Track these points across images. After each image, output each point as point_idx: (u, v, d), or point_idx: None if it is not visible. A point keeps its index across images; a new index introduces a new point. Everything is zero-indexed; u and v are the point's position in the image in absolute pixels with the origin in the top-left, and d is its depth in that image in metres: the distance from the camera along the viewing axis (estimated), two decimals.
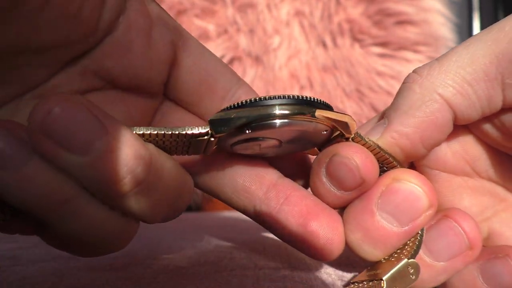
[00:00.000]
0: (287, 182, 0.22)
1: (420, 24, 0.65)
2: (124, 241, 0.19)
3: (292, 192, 0.21)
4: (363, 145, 0.20)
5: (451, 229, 0.20)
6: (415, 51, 0.65)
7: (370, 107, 0.63)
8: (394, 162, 0.21)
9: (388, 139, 0.20)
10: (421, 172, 0.22)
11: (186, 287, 0.21)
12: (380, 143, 0.20)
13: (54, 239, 0.18)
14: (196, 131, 0.18)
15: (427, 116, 0.19)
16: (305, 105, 0.18)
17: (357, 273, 0.23)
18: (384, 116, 0.21)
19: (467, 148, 0.22)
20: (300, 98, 0.18)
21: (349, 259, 0.27)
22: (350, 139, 0.20)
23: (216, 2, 0.64)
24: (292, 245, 0.21)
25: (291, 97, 0.18)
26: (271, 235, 0.36)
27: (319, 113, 0.18)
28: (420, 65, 0.21)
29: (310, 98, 0.18)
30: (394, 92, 0.64)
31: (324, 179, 0.20)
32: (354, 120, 0.19)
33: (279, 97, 0.18)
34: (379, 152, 0.20)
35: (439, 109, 0.19)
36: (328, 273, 0.24)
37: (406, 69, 0.64)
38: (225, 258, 0.27)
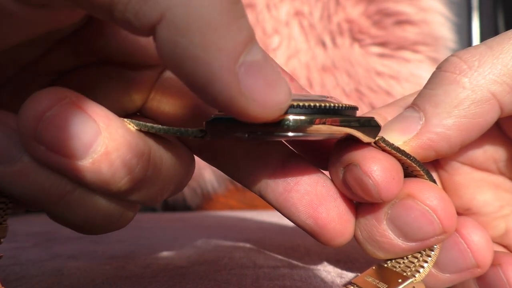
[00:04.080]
0: (298, 162, 0.20)
1: (419, 24, 0.65)
2: (125, 221, 0.18)
3: (303, 176, 0.19)
4: (387, 151, 0.18)
5: (457, 244, 0.19)
6: (415, 51, 0.65)
7: (370, 107, 0.63)
8: (421, 171, 0.18)
9: (425, 140, 0.18)
10: (442, 163, 0.21)
11: (186, 286, 0.21)
12: (413, 144, 0.18)
13: (52, 218, 0.18)
14: (191, 134, 0.17)
15: (475, 118, 0.17)
16: (323, 115, 0.16)
17: (358, 274, 0.23)
18: (415, 107, 0.18)
19: (497, 147, 0.20)
20: (318, 107, 0.16)
21: (349, 257, 0.27)
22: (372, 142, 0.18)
23: None
24: (300, 227, 0.20)
25: (306, 107, 0.15)
26: (270, 235, 0.36)
27: (338, 128, 0.16)
28: (420, 65, 0.19)
29: (329, 105, 0.16)
30: (394, 91, 0.64)
31: (341, 176, 0.19)
32: (380, 125, 0.17)
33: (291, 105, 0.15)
34: (405, 158, 0.18)
35: (489, 111, 0.17)
36: (328, 271, 0.24)
37: (405, 69, 0.64)
38: (224, 257, 0.27)
